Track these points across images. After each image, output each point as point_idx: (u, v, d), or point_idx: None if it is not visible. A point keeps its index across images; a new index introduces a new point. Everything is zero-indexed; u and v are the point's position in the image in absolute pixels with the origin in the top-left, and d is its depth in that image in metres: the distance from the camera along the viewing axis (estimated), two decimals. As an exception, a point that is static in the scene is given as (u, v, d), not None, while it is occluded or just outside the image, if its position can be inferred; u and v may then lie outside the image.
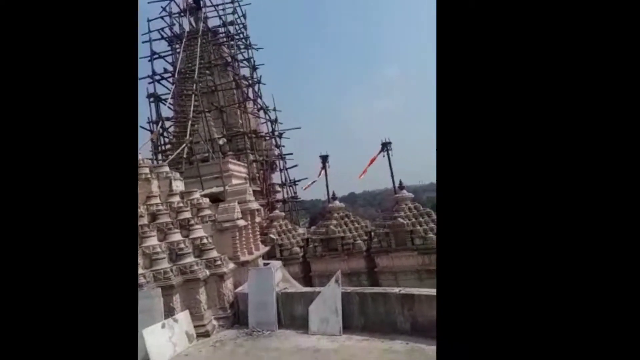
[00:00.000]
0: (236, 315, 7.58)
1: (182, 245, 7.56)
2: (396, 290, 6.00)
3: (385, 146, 19.27)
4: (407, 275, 15.23)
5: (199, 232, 8.11)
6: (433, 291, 5.68)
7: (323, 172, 19.49)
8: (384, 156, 19.28)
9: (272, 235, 15.81)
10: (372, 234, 15.90)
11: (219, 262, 7.73)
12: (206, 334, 6.95)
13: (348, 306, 6.29)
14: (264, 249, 11.00)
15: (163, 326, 6.24)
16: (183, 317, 6.73)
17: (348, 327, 6.20)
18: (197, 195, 9.21)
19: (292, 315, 6.93)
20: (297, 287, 9.35)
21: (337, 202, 16.81)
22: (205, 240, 7.99)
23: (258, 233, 10.91)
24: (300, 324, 6.68)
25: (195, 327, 6.88)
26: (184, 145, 14.95)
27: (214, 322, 7.32)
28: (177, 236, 7.72)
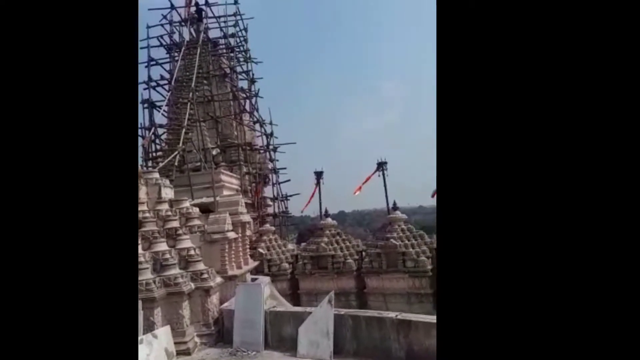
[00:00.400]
0: (220, 333, 7.18)
1: (167, 256, 7.18)
2: (392, 315, 5.69)
3: (381, 166, 19.17)
4: (396, 298, 14.89)
5: (187, 242, 7.75)
6: (431, 318, 5.40)
7: (317, 188, 19.23)
8: (379, 176, 19.16)
9: (261, 250, 15.41)
10: (364, 253, 15.60)
11: (205, 275, 7.36)
12: (187, 352, 6.53)
13: (340, 329, 5.96)
14: (253, 264, 10.63)
15: (141, 342, 5.82)
16: (163, 332, 6.32)
17: (339, 352, 5.85)
18: (187, 204, 8.87)
19: (280, 335, 6.56)
20: (286, 305, 8.96)
21: (329, 220, 16.52)
22: (192, 252, 7.62)
23: (248, 247, 10.55)
24: (289, 346, 6.31)
25: (175, 344, 6.46)
26: (176, 153, 14.62)
27: (197, 340, 6.91)
28: (162, 246, 7.34)
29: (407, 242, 14.79)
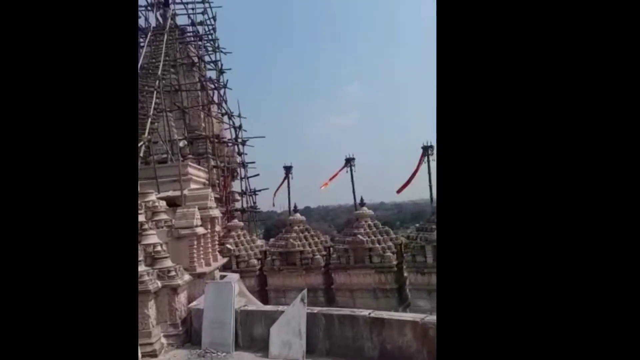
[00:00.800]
0: (188, 334, 6.96)
1: (133, 253, 6.88)
2: (365, 313, 5.72)
3: (349, 162, 19.28)
4: (363, 294, 15.08)
5: (153, 238, 7.44)
6: (404, 316, 5.47)
7: (285, 183, 19.08)
8: (347, 172, 19.26)
9: (229, 246, 15.12)
10: (331, 249, 15.67)
11: (172, 273, 7.10)
12: (153, 354, 6.29)
13: (313, 328, 5.92)
14: (222, 261, 10.40)
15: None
16: (128, 333, 6.05)
17: (311, 351, 5.82)
18: (152, 197, 8.53)
19: (251, 335, 6.44)
20: (255, 303, 8.85)
21: (297, 215, 16.45)
22: (159, 248, 7.33)
23: (217, 243, 10.30)
24: (260, 346, 6.21)
25: (141, 345, 6.19)
26: (141, 143, 14.02)
27: (163, 340, 6.66)
28: (128, 242, 7.02)
29: (373, 237, 14.98)
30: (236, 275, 10.32)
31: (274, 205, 21.67)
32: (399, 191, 18.24)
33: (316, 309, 6.21)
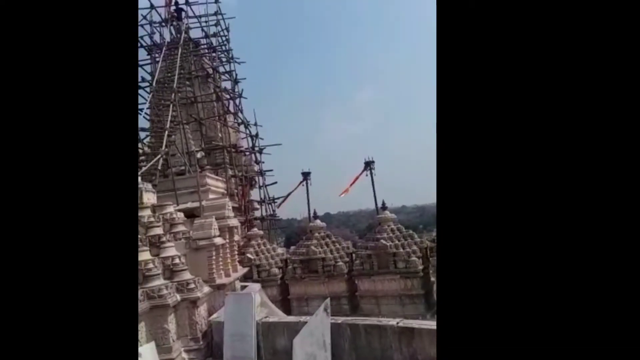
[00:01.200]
0: (209, 347, 6.75)
1: (150, 266, 6.71)
2: (393, 322, 5.38)
3: (368, 165, 18.98)
4: (388, 300, 14.63)
5: (171, 250, 7.29)
6: (434, 324, 5.09)
7: (301, 189, 18.88)
8: (367, 175, 18.95)
9: (249, 255, 14.97)
10: (354, 255, 15.31)
11: (192, 286, 6.92)
12: (174, 369, 6.10)
13: (338, 339, 5.61)
14: (242, 271, 10.20)
15: (123, 361, 5.38)
16: (148, 349, 5.87)
17: (337, 363, 5.51)
18: (170, 209, 8.41)
19: (274, 348, 6.18)
20: (278, 314, 8.58)
21: (318, 222, 16.18)
22: (177, 260, 7.17)
23: (236, 253, 10.12)
24: (283, 359, 5.94)
25: (162, 361, 6.03)
26: (159, 156, 14.06)
27: (184, 355, 6.46)
28: (145, 255, 6.86)
29: (397, 242, 14.54)
30: (257, 285, 10.09)
31: (277, 207, 21.34)
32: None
33: (340, 319, 5.90)
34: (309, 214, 17.47)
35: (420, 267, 14.09)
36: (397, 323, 5.32)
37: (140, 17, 20.07)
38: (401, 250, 14.36)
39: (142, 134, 17.65)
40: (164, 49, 18.34)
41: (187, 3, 20.46)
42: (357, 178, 19.24)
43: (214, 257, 8.02)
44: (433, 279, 14.44)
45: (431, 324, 5.14)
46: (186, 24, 20.15)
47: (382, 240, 14.36)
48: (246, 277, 12.69)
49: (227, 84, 20.98)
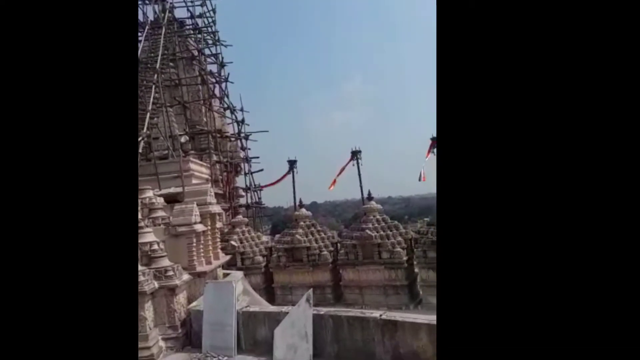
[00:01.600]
0: (188, 336, 6.57)
1: (127, 252, 6.47)
2: (376, 314, 5.27)
3: (355, 155, 18.83)
4: (372, 290, 14.64)
5: (149, 236, 7.03)
6: (419, 318, 5.01)
7: (288, 177, 18.66)
8: (353, 165, 18.81)
9: (233, 243, 14.75)
10: (339, 245, 15.23)
11: (170, 273, 6.70)
12: (151, 358, 5.89)
13: (320, 331, 5.49)
14: (224, 258, 10.00)
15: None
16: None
17: (319, 355, 5.39)
18: (150, 194, 8.12)
19: (255, 338, 6.03)
20: (260, 302, 8.44)
21: (303, 210, 16.02)
22: (155, 246, 6.92)
23: (218, 240, 9.90)
24: (264, 350, 5.80)
25: (138, 349, 5.82)
26: (141, 139, 13.63)
27: (161, 344, 6.27)
28: (122, 241, 6.62)
29: (382, 233, 14.50)
30: (240, 273, 9.91)
31: (260, 189, 21.07)
32: (423, 179, 17.69)
33: (323, 310, 5.77)
34: (295, 202, 17.27)
35: (405, 258, 14.10)
36: (381, 315, 5.22)
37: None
38: (386, 240, 14.33)
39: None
40: (147, 27, 17.67)
41: (172, -19, 19.76)
42: (343, 168, 19.10)
43: (194, 244, 7.80)
44: (417, 270, 14.48)
45: (414, 317, 5.05)
46: (170, 3, 19.45)
47: (367, 231, 14.29)
48: (229, 265, 12.51)
49: (213, 67, 20.45)
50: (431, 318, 4.80)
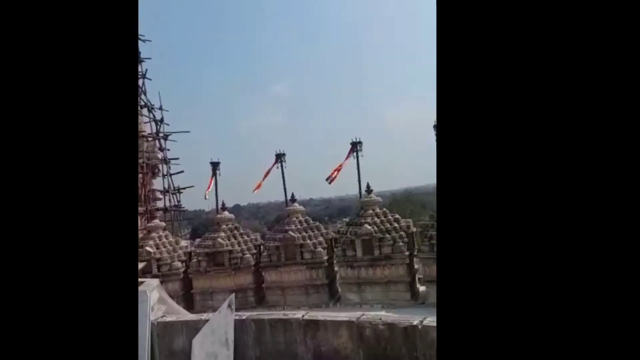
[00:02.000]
0: (95, 352, 6.06)
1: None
2: (299, 315, 5.34)
3: (280, 157, 18.86)
4: (294, 291, 14.78)
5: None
6: (339, 316, 5.19)
7: (213, 180, 18.08)
8: (277, 167, 18.82)
9: (148, 249, 13.88)
10: (262, 247, 15.14)
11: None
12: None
13: (241, 335, 5.41)
14: (138, 265, 9.36)
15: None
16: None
17: (240, 360, 5.32)
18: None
19: (171, 349, 5.73)
20: (178, 311, 8.05)
21: (226, 213, 15.65)
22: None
23: (131, 246, 9.26)
24: (181, 360, 5.55)
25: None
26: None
27: None
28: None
29: (304, 234, 14.73)
30: (155, 281, 9.34)
31: (206, 198, 20.34)
32: (330, 180, 18.13)
33: (245, 315, 5.69)
34: (217, 205, 16.80)
35: (325, 258, 14.47)
36: (303, 316, 5.30)
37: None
38: (308, 241, 14.59)
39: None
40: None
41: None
42: (269, 171, 19.00)
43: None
44: (336, 268, 14.94)
45: (335, 315, 5.22)
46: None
47: (290, 232, 14.41)
48: (144, 272, 11.77)
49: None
50: (352, 315, 5.01)
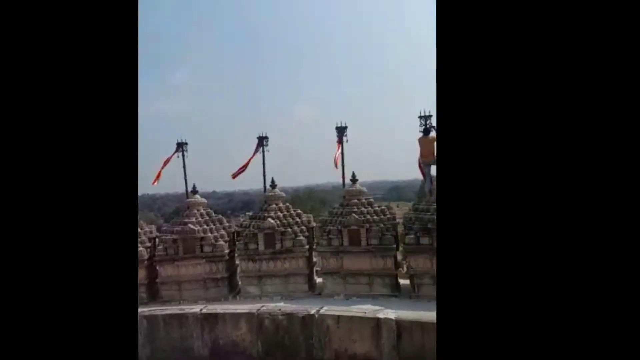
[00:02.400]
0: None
1: None
2: (197, 309, 5.23)
3: (181, 146, 17.94)
4: (192, 285, 14.15)
5: None
6: (240, 308, 5.21)
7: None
8: (178, 157, 17.87)
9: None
10: (157, 240, 14.22)
11: None
12: None
13: (132, 333, 5.11)
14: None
15: None
16: None
17: (129, 359, 5.02)
18: None
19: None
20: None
21: (116, 203, 14.34)
22: None
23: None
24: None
25: None
26: None
27: None
28: None
29: (206, 227, 14.23)
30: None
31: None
32: (234, 176, 17.80)
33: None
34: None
35: (227, 251, 14.18)
36: (201, 310, 5.21)
37: None
38: (209, 234, 14.12)
39: None
40: None
41: None
42: (168, 160, 17.92)
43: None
44: (237, 261, 14.79)
45: (235, 308, 5.23)
46: None
47: (190, 225, 13.78)
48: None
49: None
50: (252, 307, 5.06)
